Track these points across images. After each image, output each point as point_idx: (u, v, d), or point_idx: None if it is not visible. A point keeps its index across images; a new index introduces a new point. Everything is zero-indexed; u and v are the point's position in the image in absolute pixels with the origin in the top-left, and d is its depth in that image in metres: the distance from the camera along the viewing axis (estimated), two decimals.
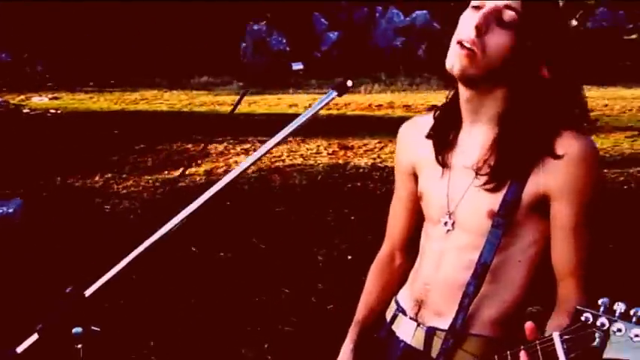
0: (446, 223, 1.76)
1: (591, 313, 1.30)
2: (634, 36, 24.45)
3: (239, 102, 1.71)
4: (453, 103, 1.79)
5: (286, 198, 7.05)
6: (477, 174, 1.71)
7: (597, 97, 12.46)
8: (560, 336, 1.35)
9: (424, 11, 20.68)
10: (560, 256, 1.68)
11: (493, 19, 1.61)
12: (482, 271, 1.67)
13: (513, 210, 1.66)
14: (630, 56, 20.25)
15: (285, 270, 5.46)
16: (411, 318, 1.84)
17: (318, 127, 10.56)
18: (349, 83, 1.65)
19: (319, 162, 8.39)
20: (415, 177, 1.93)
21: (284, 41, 18.88)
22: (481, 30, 1.60)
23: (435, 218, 1.80)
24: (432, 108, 1.89)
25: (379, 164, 8.25)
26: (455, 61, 1.64)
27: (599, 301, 1.32)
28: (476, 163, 1.72)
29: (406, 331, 1.84)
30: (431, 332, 1.78)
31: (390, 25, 20.59)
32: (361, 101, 13.34)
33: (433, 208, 1.81)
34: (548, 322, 1.66)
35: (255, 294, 4.98)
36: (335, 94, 1.65)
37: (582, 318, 1.31)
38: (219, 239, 5.87)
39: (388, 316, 1.95)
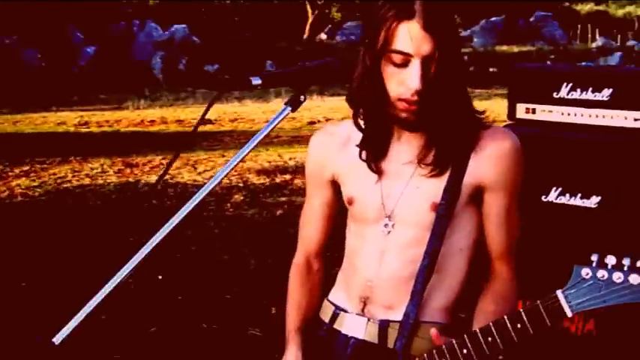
0: (386, 225, 1.82)
1: (590, 268, 1.44)
2: None
3: (206, 112, 1.68)
4: (377, 119, 1.82)
5: (82, 219, 6.74)
6: (419, 164, 1.78)
7: None
8: (563, 292, 1.49)
9: (183, 25, 20.72)
10: (495, 239, 1.84)
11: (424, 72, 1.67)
12: (430, 261, 1.77)
13: (454, 200, 1.78)
14: None
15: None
16: (357, 314, 1.89)
17: (95, 145, 10.26)
18: (302, 98, 1.69)
19: (109, 181, 8.15)
20: (332, 185, 1.98)
21: (38, 56, 17.98)
22: (422, 91, 1.66)
23: (371, 220, 1.86)
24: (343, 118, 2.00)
25: (170, 180, 8.18)
26: (400, 117, 1.72)
27: (592, 257, 1.46)
28: (416, 157, 1.80)
29: (355, 327, 1.88)
30: (384, 325, 1.83)
31: (149, 39, 20.38)
32: (132, 117, 13.11)
33: (369, 212, 1.86)
34: (482, 297, 1.84)
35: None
36: (289, 109, 1.68)
37: (582, 274, 1.45)
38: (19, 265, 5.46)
39: (325, 316, 1.98)
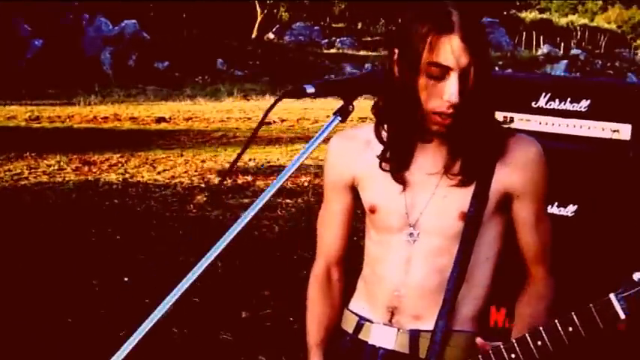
0: (411, 234, 1.82)
1: None
2: (333, 50, 26.35)
3: (265, 116, 1.63)
4: (406, 130, 1.81)
5: (42, 218, 6.64)
6: (446, 174, 1.79)
7: None
8: (616, 295, 1.52)
9: (133, 21, 20.48)
10: (529, 245, 1.86)
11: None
12: (461, 271, 1.78)
13: (483, 208, 1.78)
14: (331, 69, 21.80)
15: (63, 299, 4.94)
16: (385, 324, 1.88)
17: (49, 140, 10.09)
18: (351, 107, 1.67)
19: (67, 179, 8.04)
20: (352, 190, 1.95)
21: None
22: (458, 105, 1.67)
23: (395, 229, 1.84)
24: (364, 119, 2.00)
25: (130, 179, 8.13)
26: (432, 129, 1.73)
27: None
28: (442, 167, 1.80)
29: (384, 338, 1.87)
30: (415, 335, 1.83)
31: (99, 34, 20.10)
32: (84, 113, 12.93)
33: (392, 221, 1.84)
34: (519, 302, 1.88)
35: (29, 325, 4.46)
36: (338, 119, 1.67)
37: (634, 277, 1.49)
38: None
39: (348, 327, 1.96)
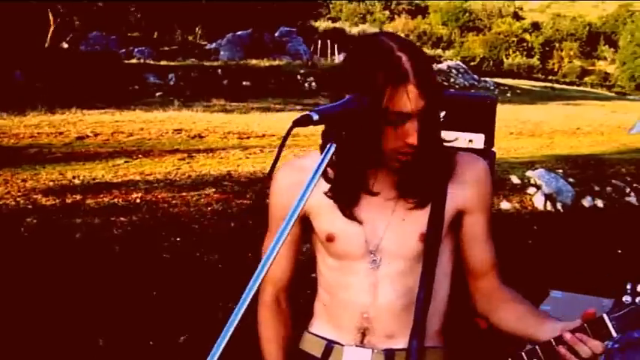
0: (374, 260, 1.87)
1: (629, 295, 1.59)
2: (134, 60, 25.73)
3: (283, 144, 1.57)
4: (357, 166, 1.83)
5: None
6: (402, 198, 1.85)
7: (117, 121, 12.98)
8: (608, 315, 1.61)
9: None
10: (480, 257, 1.94)
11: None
12: (427, 290, 1.84)
13: (440, 228, 1.85)
14: (134, 80, 21.30)
15: None
16: (357, 346, 1.91)
17: None
18: (343, 133, 1.62)
19: None
20: (301, 221, 1.97)
21: None
22: (419, 145, 1.72)
23: (357, 256, 1.89)
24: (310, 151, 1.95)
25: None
26: (395, 167, 1.78)
27: (627, 285, 1.61)
28: (397, 192, 1.86)
29: (358, 359, 1.91)
30: (390, 354, 1.88)
31: None
32: None
33: (353, 247, 1.88)
34: (501, 310, 1.90)
35: None
36: (334, 146, 1.60)
37: (624, 300, 1.59)
38: None
39: (315, 351, 1.99)
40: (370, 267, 1.88)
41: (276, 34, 34.27)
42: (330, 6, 71.72)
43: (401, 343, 1.88)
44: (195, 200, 7.62)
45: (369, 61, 1.71)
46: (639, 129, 4.52)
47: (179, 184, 8.19)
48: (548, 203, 9.53)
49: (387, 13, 79.49)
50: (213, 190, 8.03)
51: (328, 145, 1.57)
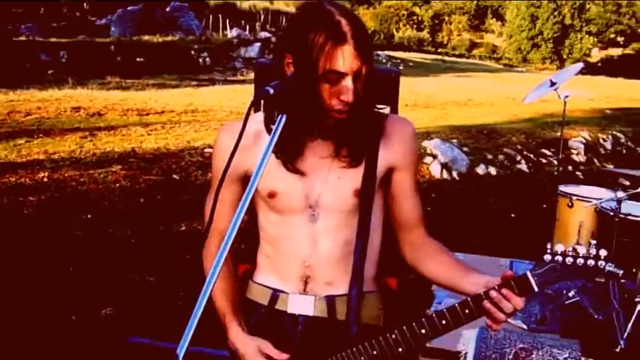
0: (313, 215, 2.03)
1: (549, 254, 1.80)
2: (22, 38, 24.80)
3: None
4: (298, 124, 1.93)
5: None
6: (337, 157, 2.00)
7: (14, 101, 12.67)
8: (531, 272, 1.82)
9: None
10: (408, 212, 2.11)
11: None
12: (363, 240, 2.01)
13: (373, 184, 2.01)
14: (25, 58, 20.58)
15: None
16: (300, 294, 2.08)
17: None
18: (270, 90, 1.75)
19: None
20: (242, 180, 2.10)
21: None
22: (352, 103, 1.87)
23: (297, 210, 2.04)
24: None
25: None
26: (330, 124, 1.92)
27: (547, 245, 1.83)
28: (333, 151, 2.01)
29: (302, 306, 2.07)
30: (331, 300, 2.06)
31: None
32: None
33: (293, 203, 2.03)
34: (429, 261, 2.08)
35: None
36: (284, 117, 1.76)
37: (545, 259, 1.80)
38: None
39: (262, 299, 2.12)
40: (309, 220, 2.04)
41: (168, 9, 33.64)
42: None
43: (340, 289, 2.06)
44: (103, 177, 7.60)
45: (310, 23, 1.85)
46: (532, 98, 4.83)
47: (85, 162, 8.12)
48: (445, 172, 9.97)
49: None
50: (120, 167, 8.01)
51: (279, 116, 1.74)
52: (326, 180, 2.03)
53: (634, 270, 4.48)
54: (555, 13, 58.43)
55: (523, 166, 11.12)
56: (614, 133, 14.11)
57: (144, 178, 7.75)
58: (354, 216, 2.05)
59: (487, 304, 1.84)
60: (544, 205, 9.00)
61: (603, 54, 62.83)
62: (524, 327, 4.50)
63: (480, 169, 10.41)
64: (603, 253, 1.78)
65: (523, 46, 60.63)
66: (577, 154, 12.27)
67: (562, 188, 5.17)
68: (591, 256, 1.79)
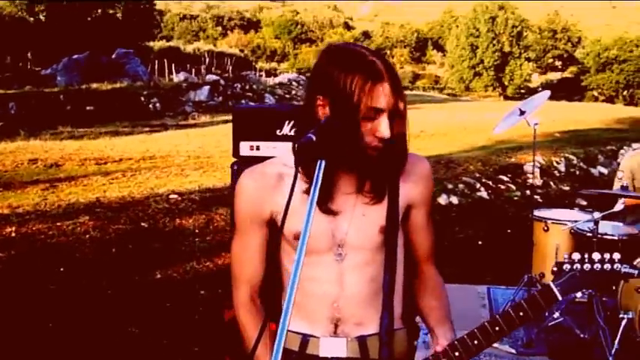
0: (340, 254, 2.04)
1: (567, 263, 1.92)
2: None
3: None
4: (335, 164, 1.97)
5: None
6: (360, 193, 2.03)
7: None
8: (553, 282, 1.92)
9: None
10: (423, 245, 2.18)
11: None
12: (391, 277, 2.05)
13: (397, 220, 2.04)
14: None
15: None
16: (331, 336, 2.07)
17: None
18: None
19: None
20: (268, 223, 2.11)
21: None
22: (389, 139, 1.92)
23: (324, 250, 2.04)
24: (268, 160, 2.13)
25: None
26: (368, 159, 1.94)
27: (564, 255, 1.94)
28: (356, 187, 2.04)
29: (335, 348, 2.06)
30: (363, 340, 2.05)
31: None
32: None
33: (320, 243, 2.02)
34: (421, 297, 2.20)
35: None
36: (324, 162, 1.79)
37: (564, 268, 1.91)
38: None
39: (292, 345, 2.10)
40: (336, 260, 2.05)
41: (113, 56, 33.56)
42: (162, 25, 70.90)
43: (370, 329, 2.07)
44: (72, 229, 7.51)
45: (344, 64, 1.91)
46: (503, 128, 4.93)
47: (51, 215, 8.02)
48: None
49: (219, 29, 79.52)
50: (87, 217, 7.93)
51: (319, 162, 1.78)
52: (351, 218, 2.05)
53: (614, 287, 4.59)
54: (494, 42, 59.91)
55: (483, 194, 11.29)
56: (566, 155, 14.44)
57: (113, 228, 7.68)
58: (379, 253, 2.07)
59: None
60: (508, 230, 9.17)
61: (543, 79, 64.50)
62: (513, 351, 4.57)
63: (442, 199, 10.55)
64: (617, 256, 1.89)
65: (465, 76, 61.89)
66: (533, 178, 12.52)
67: (537, 213, 5.29)
68: (606, 260, 1.89)
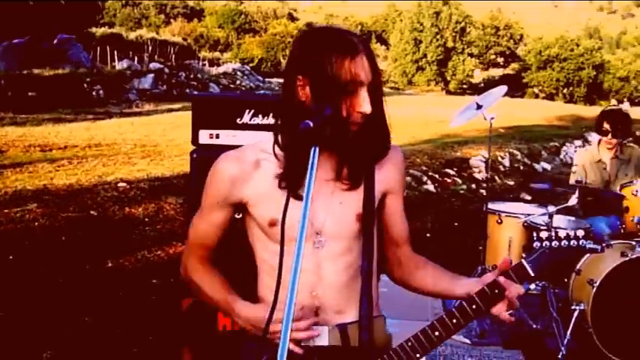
0: (319, 241, 2.04)
1: (537, 241, 1.98)
2: None
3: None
4: (292, 151, 1.99)
5: None
6: (338, 180, 2.05)
7: None
8: (525, 259, 1.99)
9: None
10: (399, 231, 2.21)
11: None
12: (369, 264, 2.07)
13: (373, 207, 2.07)
14: None
15: None
16: (312, 325, 2.04)
17: None
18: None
19: None
20: (234, 207, 2.14)
21: None
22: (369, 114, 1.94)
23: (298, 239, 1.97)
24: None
25: None
26: (350, 135, 1.95)
27: (533, 233, 2.00)
28: (333, 174, 2.06)
29: (316, 337, 2.04)
30: (344, 328, 2.06)
31: None
32: None
33: (296, 230, 1.90)
34: (415, 275, 2.22)
35: None
36: (317, 148, 1.84)
37: (534, 245, 1.98)
38: None
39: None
40: (315, 247, 2.06)
41: (55, 42, 32.81)
42: (104, 11, 69.60)
43: (350, 316, 2.09)
44: (20, 216, 7.36)
45: (322, 43, 1.94)
46: (459, 122, 5.00)
47: None
48: None
49: (162, 17, 78.46)
50: (35, 205, 7.78)
51: (313, 148, 1.81)
52: (329, 206, 2.06)
53: (565, 279, 4.73)
54: (438, 37, 60.54)
55: (430, 187, 11.45)
56: (511, 150, 14.74)
57: (62, 216, 7.54)
58: (357, 240, 2.09)
59: (508, 294, 1.98)
60: (456, 224, 9.33)
61: (485, 75, 65.48)
62: (468, 342, 4.66)
63: None
64: (581, 233, 1.97)
65: (408, 70, 62.40)
66: (479, 172, 12.74)
67: (491, 206, 5.39)
68: (572, 237, 1.98)
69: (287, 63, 2.05)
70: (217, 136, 4.25)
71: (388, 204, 2.21)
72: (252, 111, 4.27)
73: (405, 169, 2.24)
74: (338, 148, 2.02)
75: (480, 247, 5.48)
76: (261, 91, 30.91)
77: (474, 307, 1.99)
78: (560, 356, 4.37)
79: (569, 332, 4.42)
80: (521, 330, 4.78)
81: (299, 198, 1.96)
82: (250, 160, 2.10)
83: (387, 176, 2.15)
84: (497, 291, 1.98)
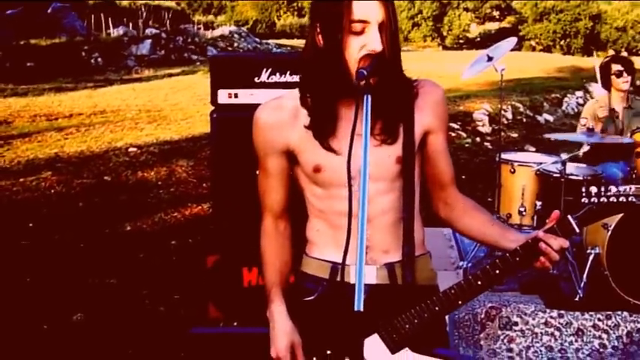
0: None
1: (586, 198, 1.97)
2: None
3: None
4: (325, 101, 2.03)
5: None
6: (374, 136, 2.02)
7: None
8: (572, 216, 1.95)
9: None
10: (443, 171, 2.17)
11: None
12: (411, 205, 2.07)
13: (413, 149, 2.05)
14: None
15: None
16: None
17: None
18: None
19: None
20: (287, 155, 2.12)
21: None
22: (381, 53, 1.92)
23: (342, 182, 1.97)
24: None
25: None
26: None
27: (582, 189, 1.99)
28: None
29: (366, 275, 2.05)
30: (391, 267, 2.11)
31: None
32: None
33: (337, 175, 2.00)
34: (462, 217, 2.19)
35: None
36: (369, 97, 1.85)
37: (582, 201, 1.96)
38: None
39: (323, 273, 2.15)
40: (356, 191, 1.99)
41: (49, 11, 32.58)
42: None
43: (396, 256, 2.13)
44: (36, 185, 7.47)
45: None
46: (471, 74, 5.07)
47: (12, 171, 7.95)
48: None
49: None
50: (50, 172, 7.88)
51: (365, 97, 1.85)
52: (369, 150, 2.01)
53: None
54: None
55: None
56: (513, 103, 14.76)
57: (77, 182, 7.66)
58: (397, 181, 2.10)
59: (542, 245, 1.96)
60: (463, 177, 9.41)
61: (481, 29, 64.94)
62: None
63: None
64: (631, 189, 1.97)
65: (404, 26, 61.80)
66: (482, 126, 12.80)
67: (503, 156, 5.48)
68: (621, 193, 1.98)
69: (309, 14, 2.08)
70: (236, 96, 4.32)
71: (430, 143, 2.17)
72: (270, 69, 4.34)
73: (446, 105, 2.21)
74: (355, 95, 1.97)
75: (490, 199, 5.58)
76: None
77: (517, 259, 2.00)
78: (577, 298, 4.49)
79: (584, 276, 4.53)
80: (538, 275, 4.89)
81: (330, 149, 2.05)
82: (289, 107, 2.12)
83: (427, 115, 2.13)
84: (540, 244, 1.99)
